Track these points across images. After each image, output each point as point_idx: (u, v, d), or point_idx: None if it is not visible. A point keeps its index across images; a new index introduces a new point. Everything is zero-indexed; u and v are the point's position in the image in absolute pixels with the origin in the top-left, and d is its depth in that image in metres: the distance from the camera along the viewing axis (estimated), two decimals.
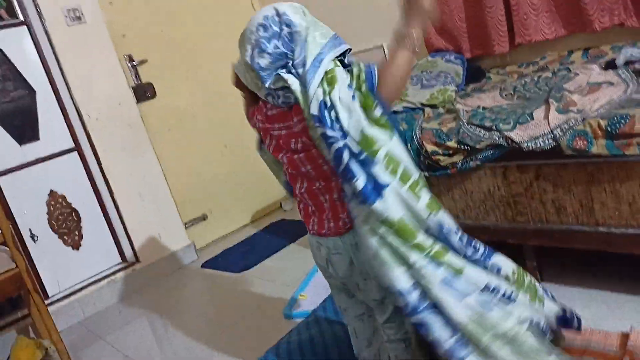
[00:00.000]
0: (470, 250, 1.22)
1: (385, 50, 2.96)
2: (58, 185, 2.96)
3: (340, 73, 1.15)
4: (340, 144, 1.13)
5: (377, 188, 1.12)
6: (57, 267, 2.96)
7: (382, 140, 1.13)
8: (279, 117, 1.25)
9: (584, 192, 1.65)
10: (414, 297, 1.15)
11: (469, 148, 1.85)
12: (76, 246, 3.06)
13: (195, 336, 2.31)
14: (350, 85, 1.14)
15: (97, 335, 2.64)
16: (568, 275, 1.87)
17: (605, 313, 1.63)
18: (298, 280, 2.48)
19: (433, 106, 2.27)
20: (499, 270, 1.24)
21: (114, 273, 3.12)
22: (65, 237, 3.01)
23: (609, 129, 1.50)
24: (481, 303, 1.17)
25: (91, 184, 3.10)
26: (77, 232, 3.05)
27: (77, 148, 3.03)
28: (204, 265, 3.12)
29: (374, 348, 1.45)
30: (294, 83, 1.15)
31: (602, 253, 1.69)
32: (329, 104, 1.12)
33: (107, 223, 3.16)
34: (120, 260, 3.22)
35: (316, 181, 1.28)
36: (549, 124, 1.65)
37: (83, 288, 3.00)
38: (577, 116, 1.62)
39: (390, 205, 1.13)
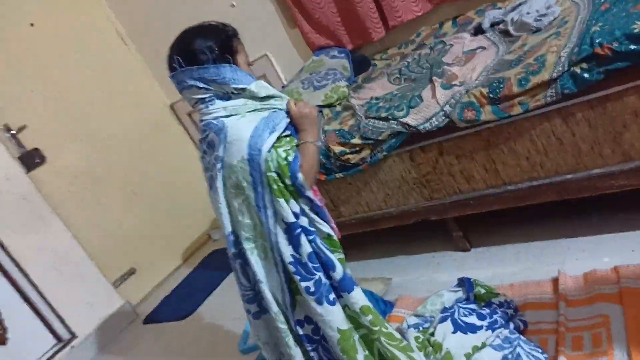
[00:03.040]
0: None
1: (271, 59, 2.95)
2: None
3: None
4: None
5: None
6: None
7: None
8: None
9: (485, 157, 1.73)
10: None
11: (373, 141, 1.88)
12: (2, 341, 2.81)
13: None
14: None
15: None
16: (493, 237, 1.96)
17: (533, 263, 1.73)
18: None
19: (329, 105, 2.29)
20: None
21: (52, 357, 2.90)
22: None
23: (492, 95, 1.58)
24: None
25: (1, 271, 2.85)
26: None
27: None
28: (145, 322, 2.98)
29: None
30: None
31: (516, 208, 1.79)
32: None
33: (30, 307, 2.93)
34: (55, 342, 3.00)
35: None
36: (437, 102, 1.71)
37: None
38: (461, 89, 1.69)
39: None
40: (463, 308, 1.53)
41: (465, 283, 1.69)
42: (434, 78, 1.82)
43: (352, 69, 2.51)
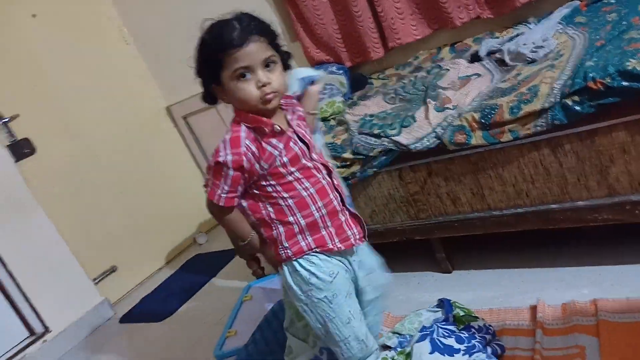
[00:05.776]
0: None
1: None
2: None
3: None
4: None
5: None
6: None
7: None
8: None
9: (473, 181, 1.75)
10: None
11: (364, 157, 1.89)
12: None
13: None
14: None
15: None
16: (475, 261, 1.98)
17: (513, 289, 1.74)
18: (224, 316, 2.41)
19: (324, 119, 2.31)
20: None
21: (23, 349, 2.85)
22: None
23: (483, 121, 1.61)
24: None
25: None
26: None
27: None
28: (122, 320, 2.95)
29: None
30: None
31: (500, 234, 1.81)
32: None
33: (4, 296, 2.89)
34: (28, 334, 2.95)
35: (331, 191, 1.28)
36: (430, 123, 1.73)
37: None
38: (453, 112, 1.71)
39: None
40: (442, 328, 1.53)
41: (444, 304, 1.70)
42: (428, 100, 1.85)
43: (349, 85, 2.54)
